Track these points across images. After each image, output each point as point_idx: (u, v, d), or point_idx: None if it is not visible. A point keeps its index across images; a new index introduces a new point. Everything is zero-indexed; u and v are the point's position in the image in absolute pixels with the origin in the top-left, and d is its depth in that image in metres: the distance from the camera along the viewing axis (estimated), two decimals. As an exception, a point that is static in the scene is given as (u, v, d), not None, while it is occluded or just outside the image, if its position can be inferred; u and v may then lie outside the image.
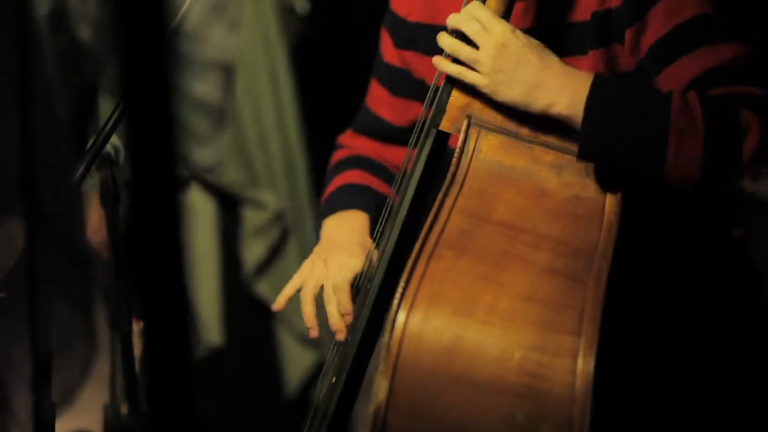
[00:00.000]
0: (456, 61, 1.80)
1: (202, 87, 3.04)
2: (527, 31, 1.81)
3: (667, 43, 1.81)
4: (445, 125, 1.81)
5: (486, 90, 1.78)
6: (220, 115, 3.10)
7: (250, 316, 3.46)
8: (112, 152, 1.71)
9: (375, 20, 2.19)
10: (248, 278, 3.43)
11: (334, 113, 3.52)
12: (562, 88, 1.74)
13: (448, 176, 1.77)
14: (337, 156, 2.21)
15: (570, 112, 1.74)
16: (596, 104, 1.72)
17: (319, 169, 3.35)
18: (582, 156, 1.73)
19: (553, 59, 1.77)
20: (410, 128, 2.03)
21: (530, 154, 1.78)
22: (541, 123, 1.79)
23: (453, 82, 1.81)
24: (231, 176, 3.35)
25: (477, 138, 1.79)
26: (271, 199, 3.40)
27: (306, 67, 3.48)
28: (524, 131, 1.79)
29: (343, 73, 3.57)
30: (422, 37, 2.02)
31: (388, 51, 2.11)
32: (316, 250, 2.04)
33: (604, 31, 1.84)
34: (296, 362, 3.47)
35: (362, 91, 2.20)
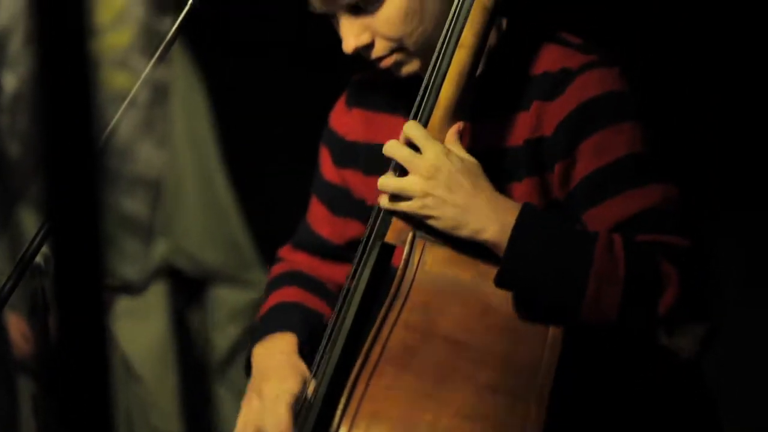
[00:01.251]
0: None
1: (130, 203, 3.04)
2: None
3: (594, 183, 1.80)
4: (390, 237, 1.80)
5: (418, 213, 1.76)
6: (148, 232, 3.09)
7: (215, 403, 3.42)
8: (42, 262, 1.69)
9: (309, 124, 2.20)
10: (220, 364, 3.39)
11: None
12: (491, 214, 1.73)
13: (392, 289, 1.76)
14: (275, 271, 2.19)
15: (497, 239, 1.72)
16: (521, 236, 1.71)
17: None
18: (500, 284, 1.72)
19: (485, 185, 1.76)
20: (349, 246, 2.02)
21: (476, 267, 1.78)
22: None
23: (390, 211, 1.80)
24: (214, 259, 3.33)
25: (422, 250, 1.78)
26: (261, 278, 3.38)
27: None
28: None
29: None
30: (362, 157, 2.03)
31: (328, 169, 2.11)
32: (249, 385, 2.00)
33: (537, 160, 1.84)
34: None
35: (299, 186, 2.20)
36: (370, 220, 1.85)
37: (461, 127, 1.80)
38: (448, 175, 1.74)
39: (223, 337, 3.38)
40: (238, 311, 3.37)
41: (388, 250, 1.82)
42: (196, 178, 3.22)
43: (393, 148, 1.78)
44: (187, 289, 3.38)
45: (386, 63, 1.88)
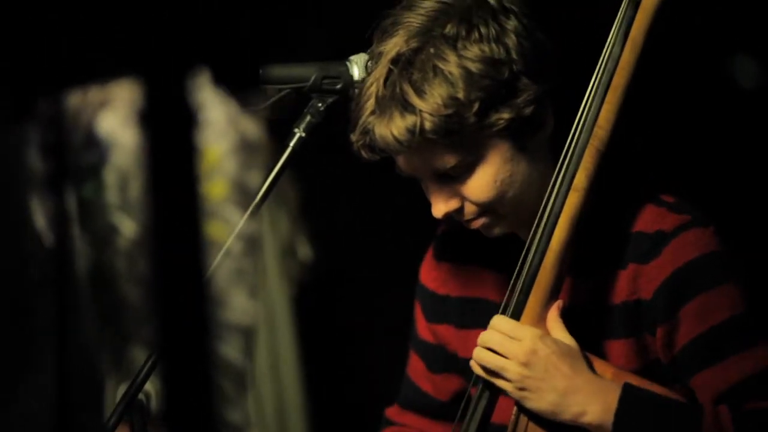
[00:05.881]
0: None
1: (226, 350, 3.08)
2: (562, 312, 1.80)
3: (699, 347, 1.79)
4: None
5: (515, 397, 1.76)
6: (242, 378, 3.13)
7: None
8: (144, 399, 1.71)
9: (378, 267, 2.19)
10: None
11: (333, 361, 3.49)
12: (592, 396, 1.72)
13: None
14: None
15: (600, 420, 1.72)
16: (625, 418, 1.70)
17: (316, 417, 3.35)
18: None
19: (582, 366, 1.75)
20: (454, 401, 1.99)
21: None
22: None
23: (489, 387, 1.81)
24: None
25: (526, 426, 1.79)
26: None
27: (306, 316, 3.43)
28: None
29: (341, 324, 3.54)
30: (453, 311, 2.01)
31: (421, 326, 2.08)
32: None
33: (634, 321, 1.83)
34: None
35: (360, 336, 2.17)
36: (471, 382, 1.85)
37: (561, 306, 1.79)
38: (545, 360, 1.74)
39: None
40: None
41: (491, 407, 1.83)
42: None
43: (486, 337, 1.78)
44: None
45: (476, 224, 1.86)
